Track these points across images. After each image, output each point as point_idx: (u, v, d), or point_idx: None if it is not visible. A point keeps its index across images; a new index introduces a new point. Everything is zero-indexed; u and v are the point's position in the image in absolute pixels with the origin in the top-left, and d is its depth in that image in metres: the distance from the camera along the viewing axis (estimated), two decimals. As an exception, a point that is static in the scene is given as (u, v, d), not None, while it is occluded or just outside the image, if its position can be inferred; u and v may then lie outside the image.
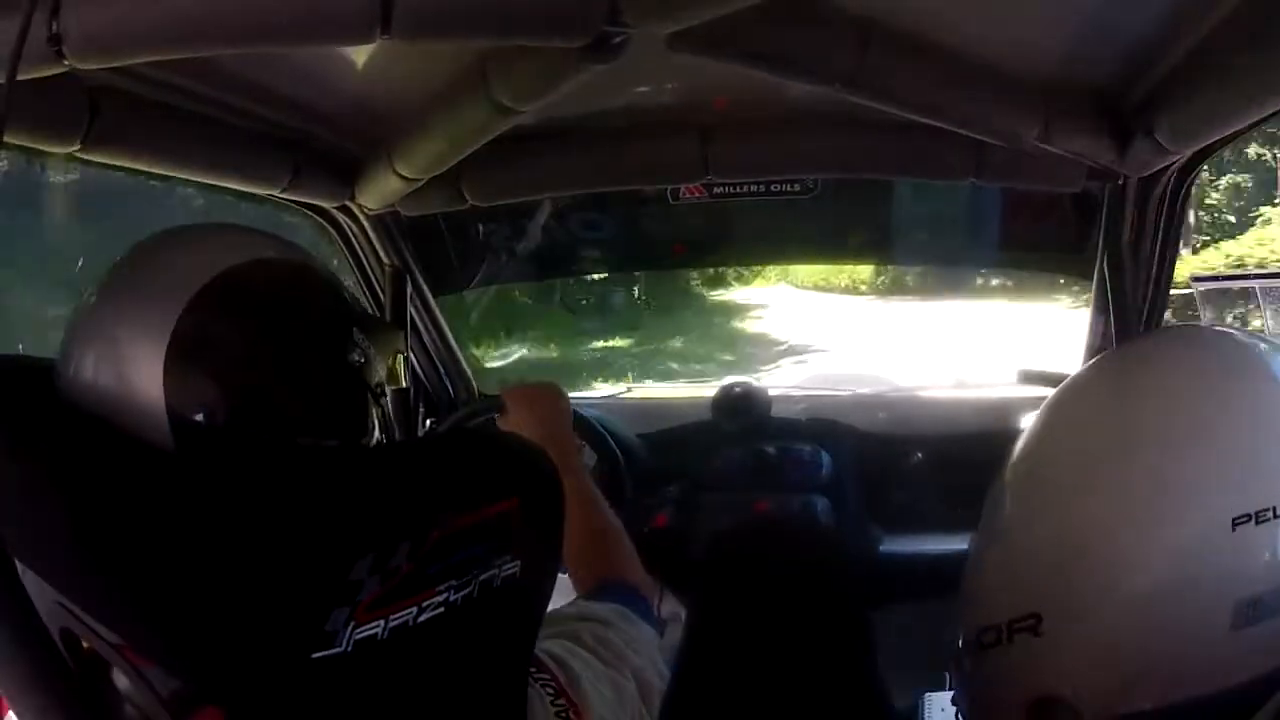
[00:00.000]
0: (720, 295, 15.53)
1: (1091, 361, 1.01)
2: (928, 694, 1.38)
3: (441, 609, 0.74)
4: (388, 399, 0.92)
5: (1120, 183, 1.53)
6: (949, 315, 11.35)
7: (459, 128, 1.44)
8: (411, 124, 1.50)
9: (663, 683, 0.96)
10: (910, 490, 2.02)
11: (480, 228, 2.11)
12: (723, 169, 1.70)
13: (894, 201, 2.05)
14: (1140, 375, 0.86)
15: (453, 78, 1.34)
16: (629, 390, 2.55)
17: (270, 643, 0.69)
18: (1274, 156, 15.15)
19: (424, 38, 1.08)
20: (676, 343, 12.44)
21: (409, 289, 1.98)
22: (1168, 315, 1.84)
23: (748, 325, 14.14)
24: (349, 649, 0.70)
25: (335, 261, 1.93)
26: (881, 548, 1.95)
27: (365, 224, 1.87)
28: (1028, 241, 2.03)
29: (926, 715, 1.42)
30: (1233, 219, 15.08)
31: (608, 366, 10.55)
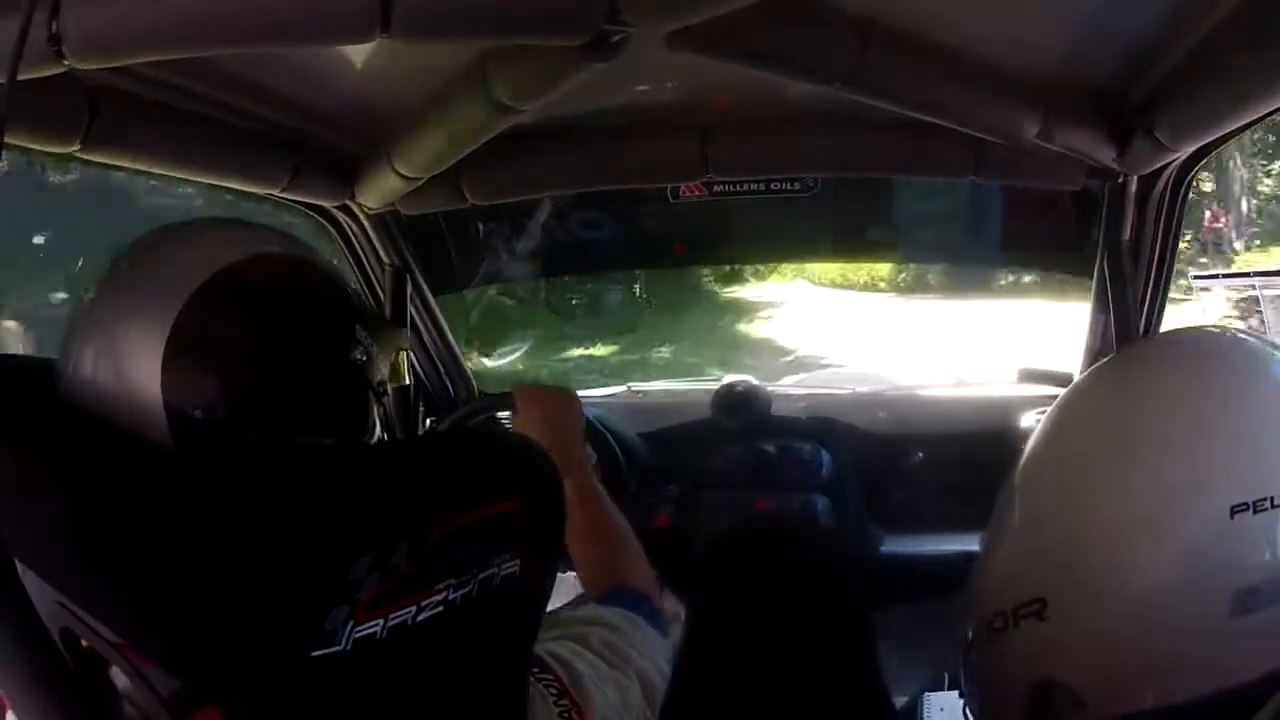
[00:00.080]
0: (732, 293, 14.43)
1: (1095, 366, 1.03)
2: (927, 694, 1.38)
3: (441, 608, 0.74)
4: (389, 397, 0.92)
5: (1120, 181, 1.53)
6: (975, 315, 10.20)
7: (459, 127, 1.44)
8: (411, 123, 1.50)
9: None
10: (910, 489, 2.03)
11: (480, 227, 2.11)
12: (723, 168, 1.70)
13: (893, 199, 2.05)
14: (1141, 378, 0.89)
15: (453, 77, 1.34)
16: (629, 389, 2.55)
17: (270, 642, 0.69)
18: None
19: (424, 37, 1.08)
20: (664, 351, 11.10)
21: (409, 288, 1.99)
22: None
23: (754, 328, 12.95)
24: (348, 648, 0.70)
25: (335, 261, 1.93)
26: (881, 547, 1.95)
27: (365, 223, 1.87)
28: (1028, 240, 2.03)
29: (926, 715, 1.42)
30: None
31: (575, 380, 8.42)
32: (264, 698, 0.70)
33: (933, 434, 2.07)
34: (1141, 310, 1.66)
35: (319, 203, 1.78)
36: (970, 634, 0.89)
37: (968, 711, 0.94)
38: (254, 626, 0.69)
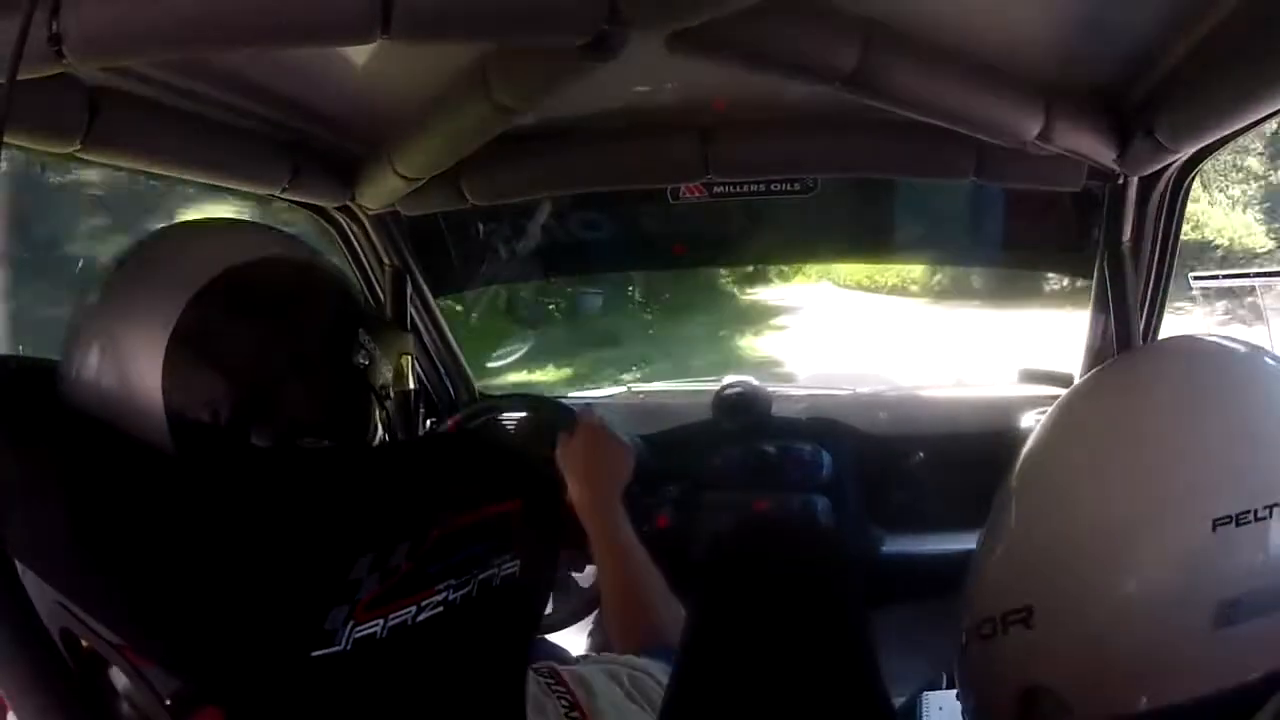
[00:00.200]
0: (752, 295, 12.85)
1: (1089, 374, 1.04)
2: (925, 693, 1.38)
3: (441, 608, 0.74)
4: (391, 401, 0.92)
5: (1120, 182, 1.53)
6: (1023, 326, 8.37)
7: (459, 127, 1.44)
8: (411, 124, 1.50)
9: None
10: (911, 489, 2.02)
11: (480, 228, 2.11)
12: (723, 169, 1.70)
13: (893, 201, 2.04)
14: (1130, 389, 0.90)
15: (452, 78, 1.34)
16: (629, 389, 2.55)
17: (270, 642, 0.69)
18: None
19: (424, 38, 1.08)
20: (632, 375, 7.76)
21: (409, 289, 1.99)
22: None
23: (759, 342, 11.02)
24: (348, 647, 0.70)
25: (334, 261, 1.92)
26: (882, 547, 1.95)
27: (365, 224, 1.87)
28: (1028, 240, 2.03)
29: (924, 714, 1.42)
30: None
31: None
32: (264, 698, 0.70)
33: (933, 434, 2.07)
34: (1142, 311, 1.66)
35: (319, 203, 1.78)
36: (963, 637, 0.90)
37: (966, 714, 0.94)
38: (254, 627, 0.69)
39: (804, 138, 1.65)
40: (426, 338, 2.13)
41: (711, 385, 2.21)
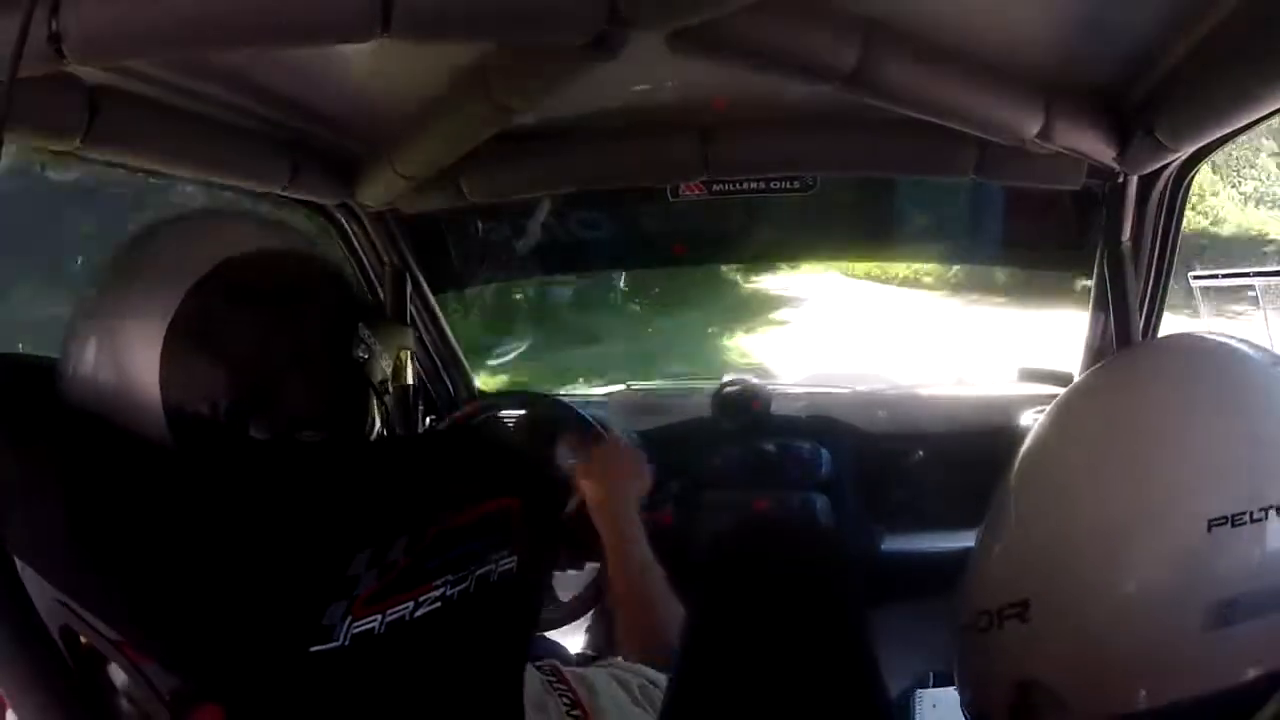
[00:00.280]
0: (755, 284, 11.86)
1: (1088, 372, 1.04)
2: (919, 691, 1.39)
3: (439, 604, 0.74)
4: (390, 396, 0.92)
5: (1120, 180, 1.53)
6: (1051, 327, 5.76)
7: (458, 126, 1.44)
8: (411, 122, 1.50)
9: None
10: (910, 487, 2.02)
11: (480, 226, 2.11)
12: (722, 167, 1.70)
13: (893, 198, 2.05)
14: (1128, 388, 0.90)
15: (452, 76, 1.34)
16: (629, 387, 2.56)
17: (269, 638, 0.69)
18: None
19: (424, 37, 1.08)
20: (592, 389, 4.95)
21: (409, 287, 1.99)
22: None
23: (754, 341, 9.99)
24: (346, 643, 0.70)
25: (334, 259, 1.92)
26: (881, 545, 1.95)
27: (365, 222, 1.87)
28: (1028, 238, 2.03)
29: (917, 711, 1.43)
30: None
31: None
32: (263, 694, 0.70)
33: (932, 433, 2.07)
34: (1141, 309, 1.66)
35: (319, 201, 1.78)
36: (960, 631, 0.91)
37: (963, 706, 0.95)
38: (253, 623, 0.69)
39: (804, 137, 1.65)
40: (426, 335, 2.13)
41: (711, 383, 2.21)
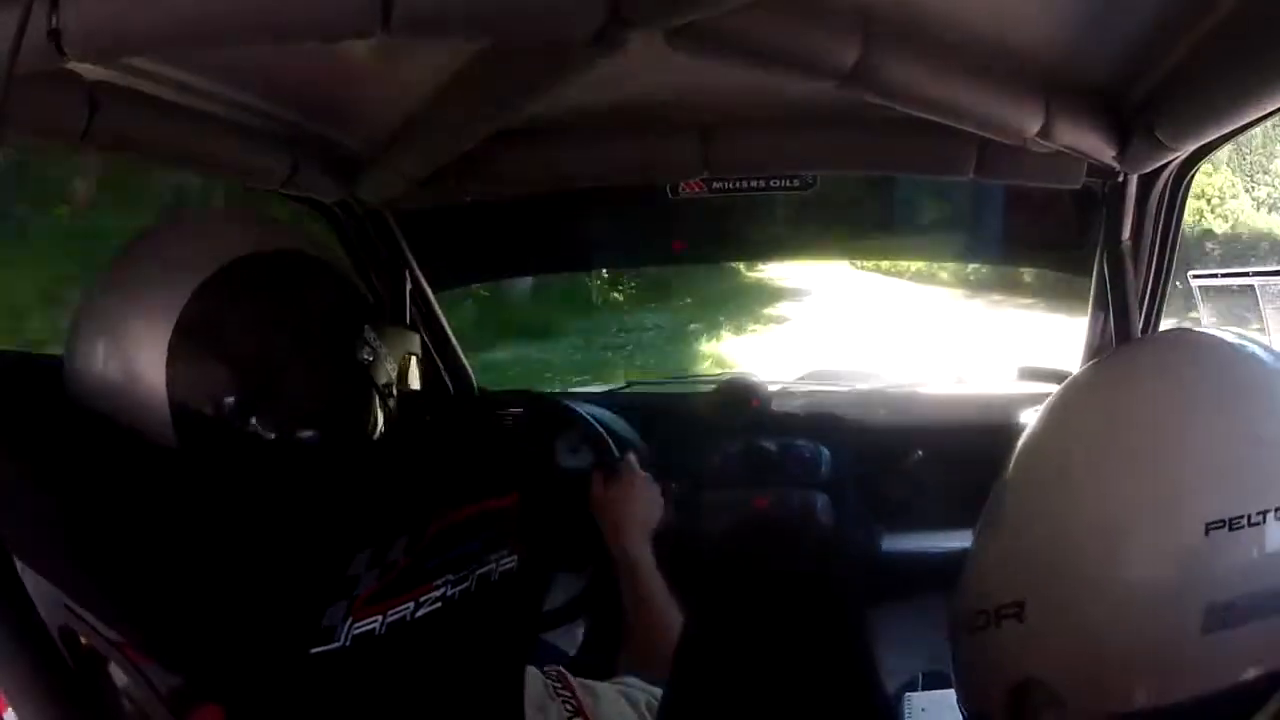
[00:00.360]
0: (759, 274, 10.51)
1: (1086, 366, 1.03)
2: (908, 694, 1.38)
3: (439, 604, 0.74)
4: (394, 399, 0.92)
5: (1120, 180, 1.53)
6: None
7: (458, 123, 1.44)
8: (411, 120, 1.50)
9: None
10: (911, 486, 2.02)
11: (479, 224, 2.11)
12: (722, 166, 1.70)
13: (892, 197, 2.05)
14: (1125, 383, 0.89)
15: (452, 73, 1.34)
16: (629, 384, 2.55)
17: (269, 639, 0.69)
18: None
19: (423, 34, 1.08)
20: None
21: (408, 285, 1.99)
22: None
23: (736, 346, 8.52)
24: (347, 644, 0.70)
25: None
26: (882, 544, 1.95)
27: (365, 219, 1.87)
28: (1027, 238, 2.03)
29: (907, 715, 1.42)
30: None
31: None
32: (263, 695, 0.70)
33: (932, 431, 2.07)
34: (1141, 309, 1.66)
35: (318, 198, 1.77)
36: (957, 630, 0.91)
37: (960, 706, 0.94)
38: (253, 624, 0.69)
39: (804, 135, 1.65)
40: (425, 334, 2.13)
41: (711, 381, 2.21)
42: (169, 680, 0.70)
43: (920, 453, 2.03)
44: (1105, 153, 1.41)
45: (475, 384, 2.27)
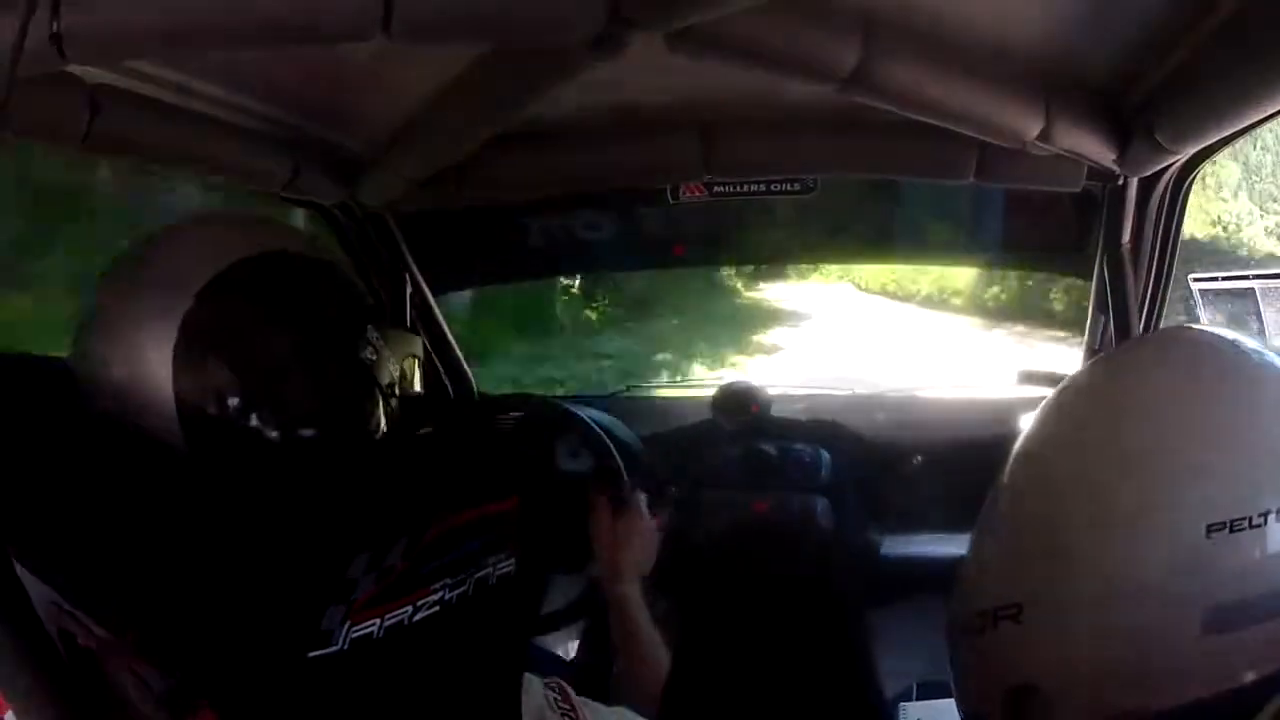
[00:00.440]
0: (756, 293, 10.07)
1: (1083, 367, 1.03)
2: (902, 704, 1.38)
3: (437, 608, 0.74)
4: (396, 400, 0.92)
5: (1120, 183, 1.53)
6: None
7: (458, 126, 1.44)
8: (411, 122, 1.50)
9: None
10: (910, 490, 2.02)
11: (479, 226, 2.11)
12: (722, 169, 1.70)
13: (893, 200, 2.05)
14: (1124, 382, 0.88)
15: (452, 76, 1.34)
16: (629, 388, 2.55)
17: (266, 642, 0.69)
18: None
19: (424, 37, 1.08)
20: None
21: (408, 287, 1.99)
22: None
23: (711, 383, 4.66)
24: (345, 648, 0.70)
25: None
26: (881, 548, 1.95)
27: (365, 222, 1.87)
28: (1028, 241, 2.03)
29: None
30: None
31: None
32: (260, 698, 0.70)
33: (932, 435, 2.07)
34: (1141, 312, 1.66)
35: (319, 201, 1.78)
36: (955, 633, 0.90)
37: (958, 708, 0.94)
38: (251, 627, 0.69)
39: (804, 138, 1.65)
40: (425, 336, 2.13)
41: (711, 385, 2.21)
42: (166, 683, 0.70)
43: (920, 457, 2.03)
44: (1105, 155, 1.42)
45: (475, 387, 2.28)
